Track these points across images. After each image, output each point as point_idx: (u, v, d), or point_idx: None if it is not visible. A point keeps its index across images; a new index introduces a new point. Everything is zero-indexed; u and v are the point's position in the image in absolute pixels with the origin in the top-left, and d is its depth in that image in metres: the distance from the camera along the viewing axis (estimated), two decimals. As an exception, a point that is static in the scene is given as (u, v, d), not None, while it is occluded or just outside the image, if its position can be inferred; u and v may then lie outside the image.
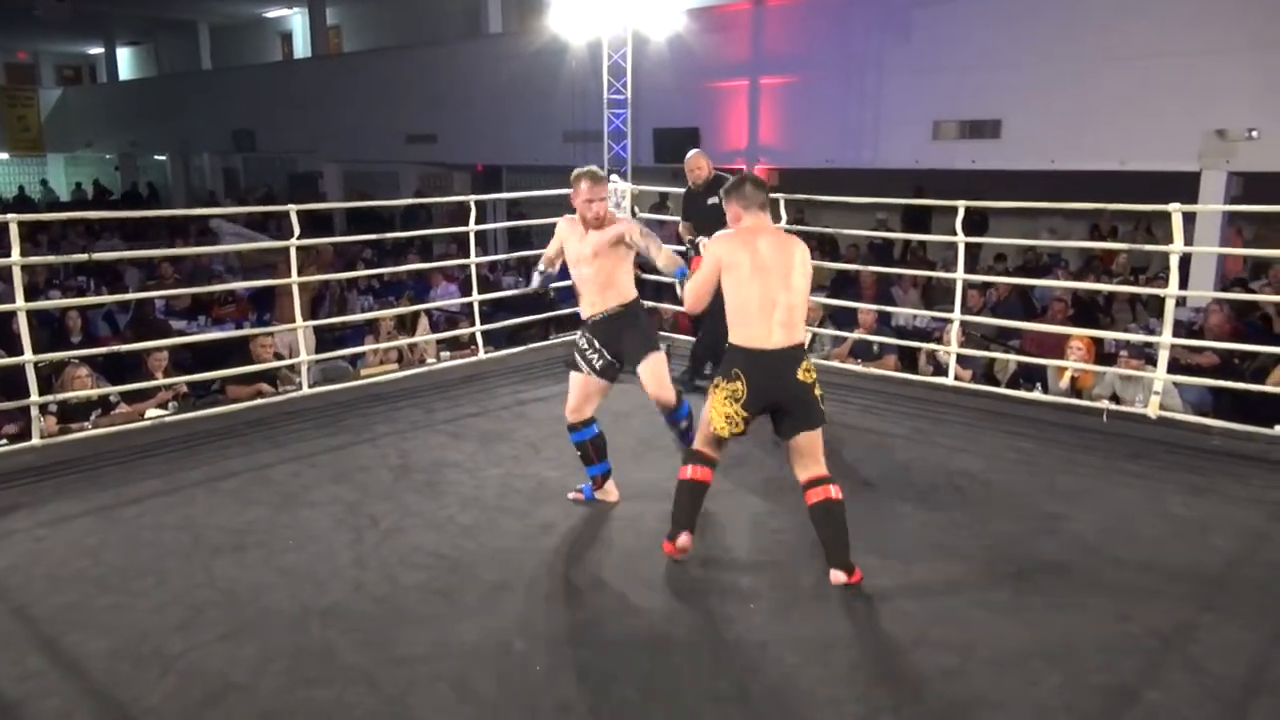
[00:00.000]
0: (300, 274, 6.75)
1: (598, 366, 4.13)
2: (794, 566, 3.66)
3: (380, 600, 3.41)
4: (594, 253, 4.06)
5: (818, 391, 3.52)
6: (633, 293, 4.19)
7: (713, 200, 5.93)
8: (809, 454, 3.54)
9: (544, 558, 3.75)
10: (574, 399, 4.19)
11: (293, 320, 5.99)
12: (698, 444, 3.70)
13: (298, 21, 22.99)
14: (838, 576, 3.48)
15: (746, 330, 3.48)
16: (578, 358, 4.18)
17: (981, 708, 2.79)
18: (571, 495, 4.35)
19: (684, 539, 3.63)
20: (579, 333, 4.26)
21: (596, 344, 4.14)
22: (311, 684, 2.91)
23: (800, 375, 3.47)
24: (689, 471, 3.66)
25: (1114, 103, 9.44)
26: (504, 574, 3.60)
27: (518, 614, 3.32)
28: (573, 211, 4.14)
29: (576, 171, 4.07)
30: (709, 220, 5.74)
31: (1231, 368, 6.26)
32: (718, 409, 3.53)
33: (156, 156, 25.97)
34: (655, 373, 4.14)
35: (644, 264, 4.37)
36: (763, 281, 3.44)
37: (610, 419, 5.37)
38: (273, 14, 23.56)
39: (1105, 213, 11.23)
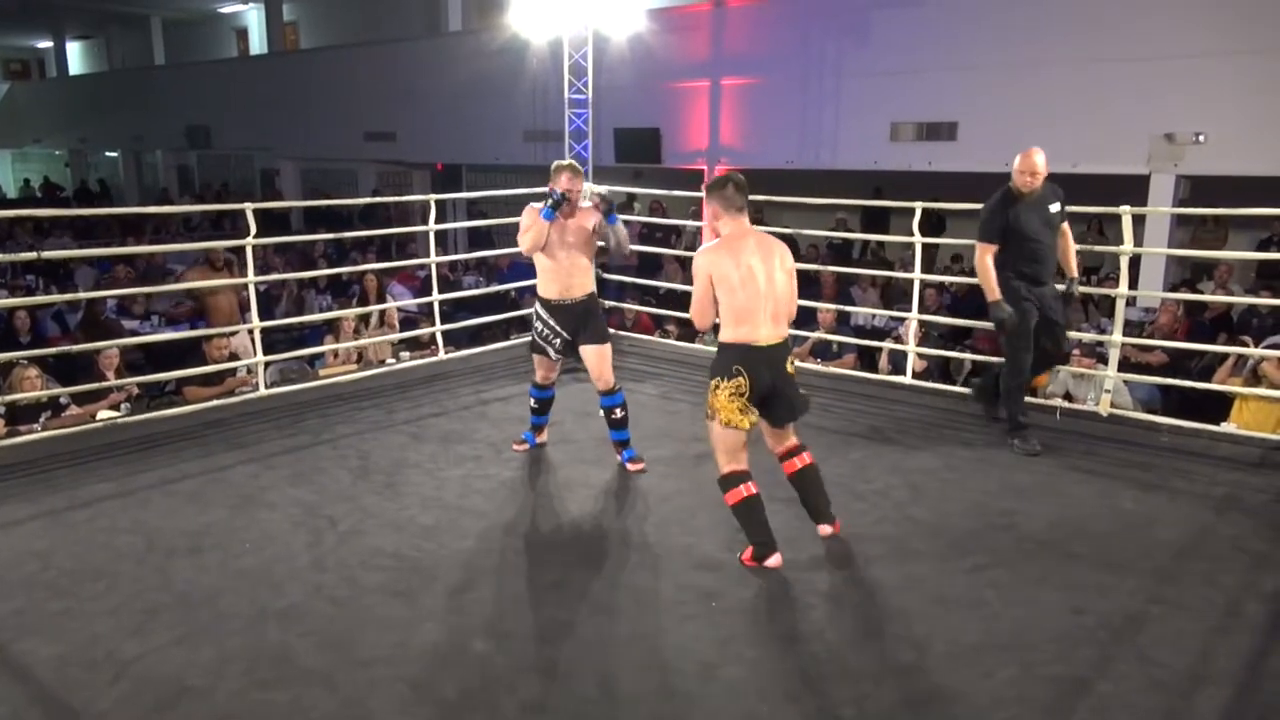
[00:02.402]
0: (223, 274, 6.66)
1: (558, 347, 4.68)
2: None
3: (339, 602, 3.38)
4: (575, 240, 4.55)
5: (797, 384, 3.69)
6: (593, 286, 4.74)
7: (1055, 207, 4.90)
8: (786, 432, 3.79)
9: (505, 558, 3.74)
10: (542, 372, 4.81)
11: (229, 321, 5.93)
12: (724, 465, 3.64)
13: (253, 17, 22.67)
14: (825, 529, 3.78)
15: (741, 329, 3.54)
16: (540, 342, 4.70)
17: (939, 700, 2.83)
18: (516, 446, 4.96)
19: (775, 559, 3.61)
20: (536, 317, 4.72)
21: (555, 326, 4.64)
22: (268, 687, 2.88)
23: (789, 368, 3.64)
24: (738, 494, 3.62)
25: (1066, 106, 9.61)
26: (465, 575, 3.59)
27: (479, 614, 3.30)
28: (538, 201, 4.56)
29: (558, 163, 4.56)
30: (1043, 233, 4.82)
31: (1179, 366, 6.42)
32: (726, 406, 3.54)
33: (108, 153, 25.47)
34: (601, 359, 4.66)
35: (606, 264, 4.56)
36: (753, 285, 3.53)
37: (572, 419, 5.40)
38: (228, 9, 23.22)
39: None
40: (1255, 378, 5.56)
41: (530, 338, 4.82)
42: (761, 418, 3.67)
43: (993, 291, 4.83)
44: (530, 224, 4.50)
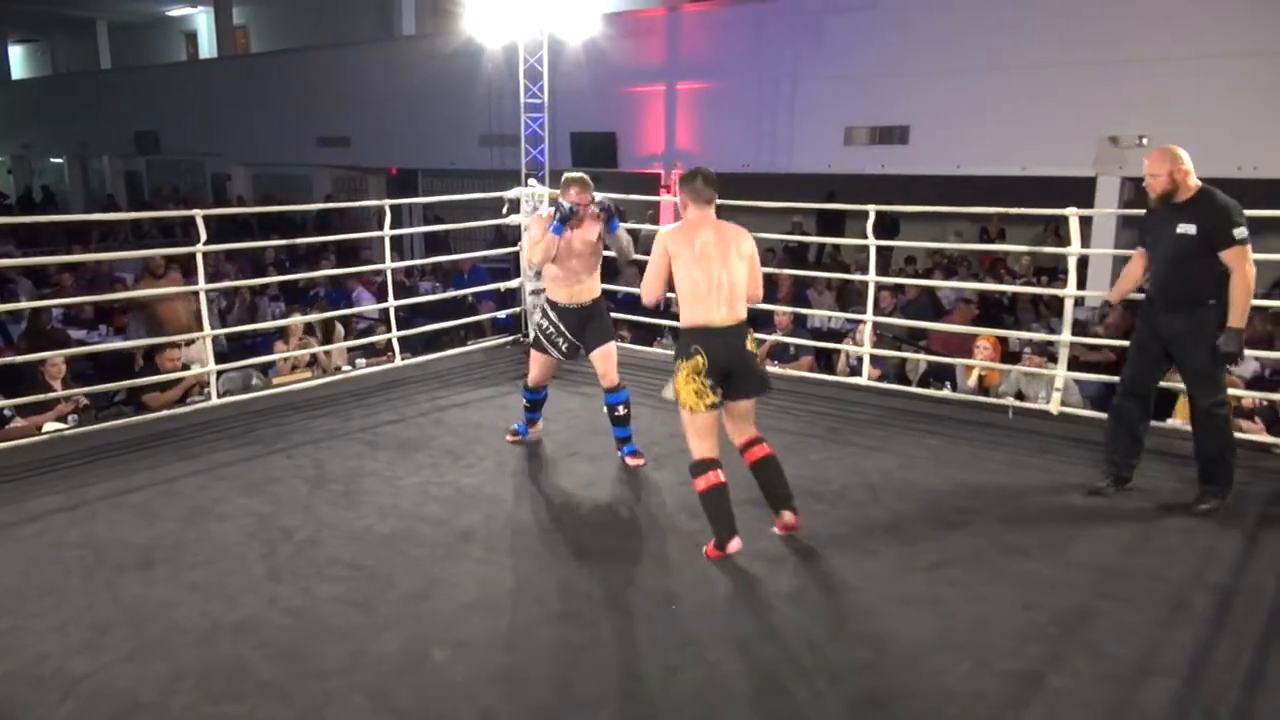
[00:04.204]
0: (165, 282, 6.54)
1: (564, 349, 4.79)
2: (714, 568, 3.69)
3: (295, 613, 3.34)
4: (581, 249, 4.65)
5: (760, 361, 3.78)
6: (599, 290, 4.82)
7: (1185, 229, 3.95)
8: (745, 418, 3.85)
9: (463, 566, 3.71)
10: (537, 372, 4.90)
11: (183, 330, 5.85)
12: (695, 452, 3.73)
13: (203, 20, 22.35)
14: (786, 518, 3.80)
15: (696, 310, 3.69)
16: (544, 341, 4.80)
17: (896, 697, 2.86)
18: (509, 437, 5.13)
19: (735, 543, 3.68)
20: (543, 315, 4.82)
21: (563, 329, 4.75)
22: (222, 700, 2.83)
23: (749, 345, 3.75)
24: (702, 482, 3.71)
25: (1015, 110, 9.81)
26: (423, 583, 3.56)
27: (437, 623, 3.28)
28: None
29: (568, 176, 4.67)
30: (1161, 252, 4.08)
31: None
32: (685, 389, 3.67)
33: (53, 159, 24.92)
34: (607, 359, 4.78)
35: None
36: (706, 267, 3.69)
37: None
38: (176, 12, 22.85)
39: (993, 216, 11.65)
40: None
41: (533, 335, 4.94)
42: (725, 399, 3.74)
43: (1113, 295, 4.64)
44: (539, 237, 4.58)
